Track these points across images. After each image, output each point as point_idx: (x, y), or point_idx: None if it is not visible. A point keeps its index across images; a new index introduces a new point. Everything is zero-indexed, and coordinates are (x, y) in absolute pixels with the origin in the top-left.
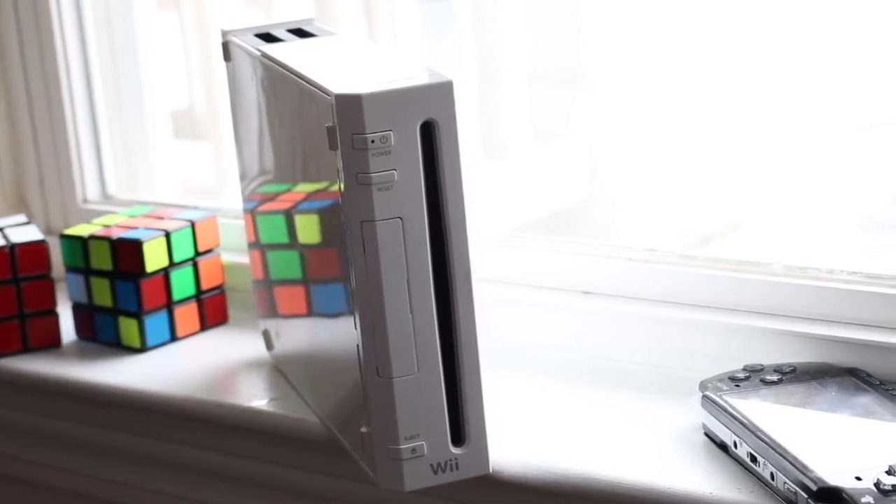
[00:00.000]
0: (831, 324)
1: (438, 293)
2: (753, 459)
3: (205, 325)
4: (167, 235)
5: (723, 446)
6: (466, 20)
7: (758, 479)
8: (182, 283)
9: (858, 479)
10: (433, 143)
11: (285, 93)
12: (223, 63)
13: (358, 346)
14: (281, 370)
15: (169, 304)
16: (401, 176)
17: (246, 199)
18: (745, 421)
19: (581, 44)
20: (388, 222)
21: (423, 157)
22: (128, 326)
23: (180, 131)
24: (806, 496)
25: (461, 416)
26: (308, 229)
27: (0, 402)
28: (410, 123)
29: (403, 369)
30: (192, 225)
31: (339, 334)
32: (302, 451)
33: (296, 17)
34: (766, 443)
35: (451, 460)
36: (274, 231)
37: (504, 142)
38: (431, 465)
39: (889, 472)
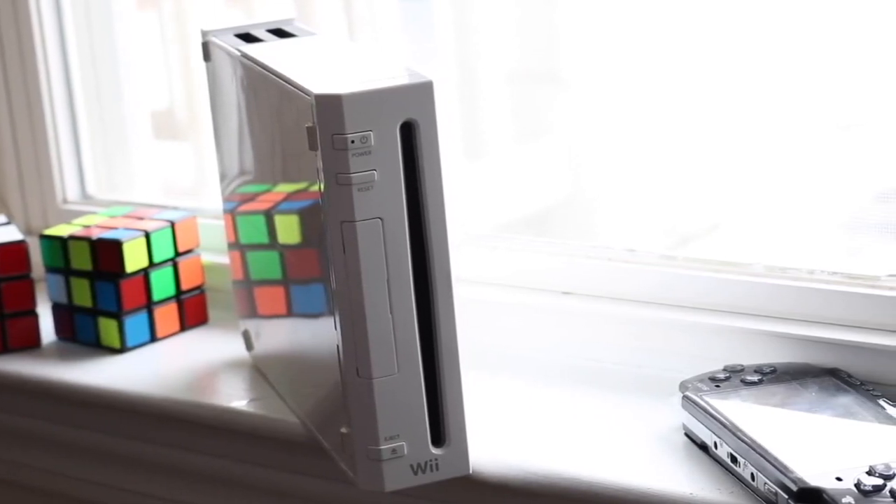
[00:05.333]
0: (812, 324)
1: (418, 293)
2: (734, 460)
3: (185, 325)
4: (147, 236)
5: (703, 447)
6: (446, 20)
7: (738, 479)
8: (162, 284)
9: (839, 479)
10: (413, 143)
11: (265, 93)
12: (203, 63)
13: (338, 346)
14: (261, 370)
15: (149, 305)
16: (381, 176)
17: (226, 200)
18: (726, 421)
19: (561, 44)
20: (368, 223)
21: (403, 157)
22: (107, 327)
23: (160, 131)
24: (786, 497)
25: (441, 417)
26: (288, 230)
27: None
28: (390, 123)
29: (383, 370)
30: (172, 225)
31: (319, 335)
32: (282, 452)
33: (276, 17)
34: (746, 443)
35: (431, 461)
36: (254, 231)
37: (484, 142)
38: (411, 466)
39: (870, 473)
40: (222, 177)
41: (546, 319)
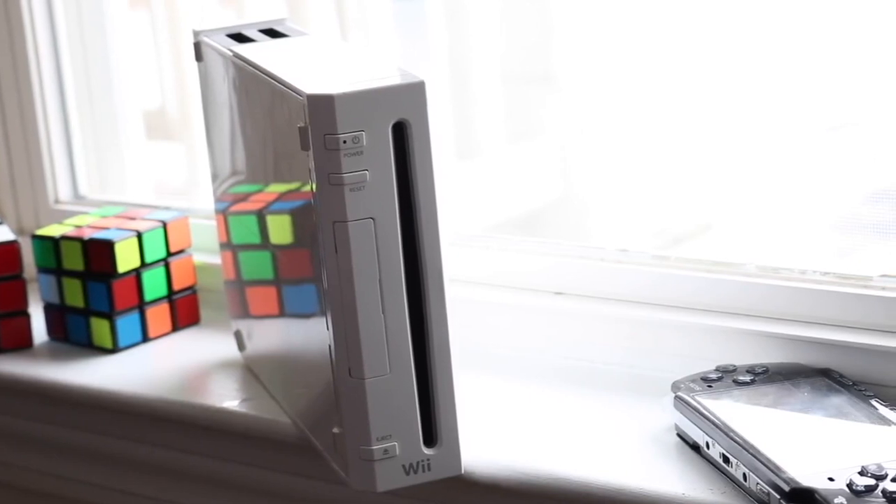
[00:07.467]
0: (804, 324)
1: (410, 294)
2: (726, 460)
3: (177, 325)
4: (139, 236)
5: (695, 447)
6: (439, 21)
7: (730, 479)
8: (154, 284)
9: (831, 479)
10: (405, 143)
11: (257, 93)
12: (195, 63)
13: (330, 346)
14: (253, 371)
15: (141, 305)
16: (373, 176)
17: (218, 200)
18: (718, 421)
19: (553, 45)
20: (360, 223)
21: (395, 157)
22: (99, 327)
23: (152, 132)
24: (778, 497)
25: (433, 417)
26: (280, 230)
27: None
28: (382, 124)
29: (375, 370)
30: (164, 225)
31: (311, 335)
32: (274, 452)
33: (268, 17)
34: (738, 443)
35: (423, 461)
36: (246, 231)
37: (476, 142)
38: (403, 466)
39: (862, 473)
40: (214, 177)
41: (538, 320)
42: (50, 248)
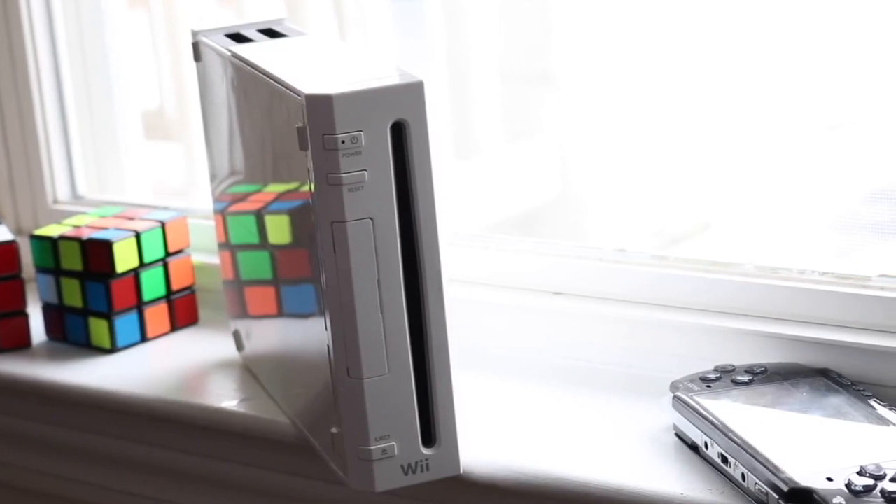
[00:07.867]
0: (802, 324)
1: (409, 294)
2: (724, 460)
3: (175, 325)
4: (137, 236)
5: (694, 447)
6: (437, 20)
7: (729, 479)
8: (152, 284)
9: (829, 479)
10: (404, 143)
11: (256, 93)
12: (193, 63)
13: (328, 346)
14: (251, 371)
15: (139, 305)
16: (371, 176)
17: (216, 200)
18: (716, 422)
19: (552, 44)
20: (359, 223)
21: (393, 157)
22: (98, 327)
23: (151, 132)
24: (777, 497)
25: (432, 417)
26: (278, 230)
27: None
28: (381, 124)
29: (374, 370)
30: (163, 225)
31: (310, 335)
32: (272, 452)
33: (266, 17)
34: (737, 443)
35: (421, 461)
36: (244, 231)
37: (475, 142)
38: (402, 466)
39: (860, 473)
40: (213, 177)
41: (536, 320)
42: (48, 248)
